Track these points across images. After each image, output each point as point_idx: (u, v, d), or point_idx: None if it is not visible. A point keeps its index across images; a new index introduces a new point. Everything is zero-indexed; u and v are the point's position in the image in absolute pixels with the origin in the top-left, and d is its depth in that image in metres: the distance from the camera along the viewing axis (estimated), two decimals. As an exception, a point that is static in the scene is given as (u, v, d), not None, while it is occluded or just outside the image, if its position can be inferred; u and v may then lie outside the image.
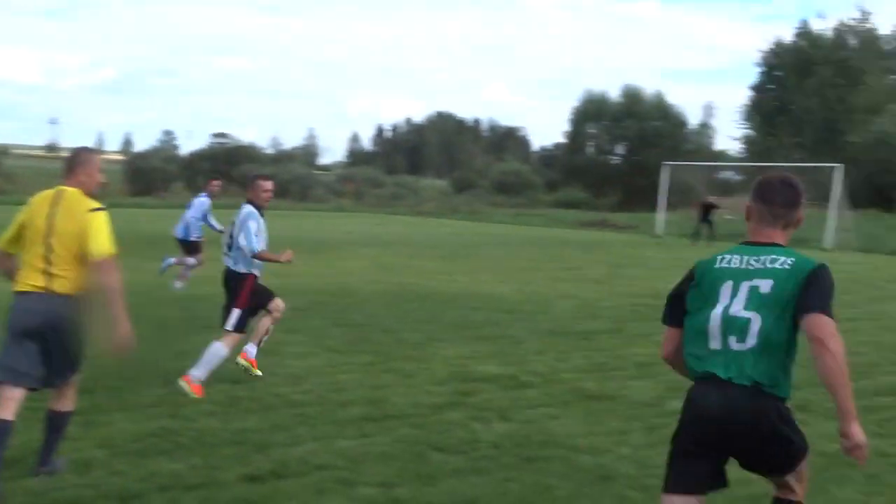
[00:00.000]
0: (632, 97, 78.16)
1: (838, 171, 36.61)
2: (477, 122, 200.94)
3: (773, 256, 4.08)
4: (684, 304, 4.41)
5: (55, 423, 6.09)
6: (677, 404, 8.18)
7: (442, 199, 69.67)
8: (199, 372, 8.38)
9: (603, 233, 42.73)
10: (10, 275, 5.98)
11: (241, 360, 8.92)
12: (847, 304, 16.96)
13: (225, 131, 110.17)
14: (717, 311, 4.09)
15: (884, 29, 70.89)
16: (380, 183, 71.82)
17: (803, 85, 67.33)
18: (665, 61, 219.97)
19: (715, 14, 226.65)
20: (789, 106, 67.61)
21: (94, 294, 5.84)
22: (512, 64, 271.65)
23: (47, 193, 5.90)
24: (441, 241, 30.64)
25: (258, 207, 8.84)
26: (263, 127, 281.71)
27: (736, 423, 3.98)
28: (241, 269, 8.76)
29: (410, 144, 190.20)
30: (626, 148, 78.64)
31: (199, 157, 79.49)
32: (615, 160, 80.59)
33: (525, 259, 24.42)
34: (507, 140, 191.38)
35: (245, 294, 8.74)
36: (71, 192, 5.86)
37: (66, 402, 6.11)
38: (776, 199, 4.27)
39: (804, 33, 70.81)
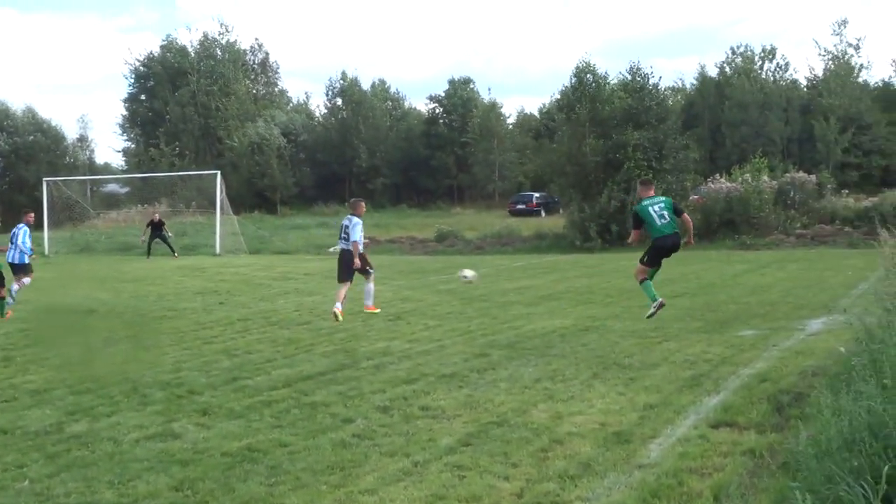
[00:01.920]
0: (1, 111, 73.94)
1: (219, 178, 37.91)
2: None
3: (659, 198, 13.31)
4: (640, 220, 12.99)
5: None
6: (78, 427, 8.05)
7: None
8: (370, 300, 16.23)
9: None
10: None
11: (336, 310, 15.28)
12: (239, 304, 17.76)
13: None
14: (654, 213, 12.88)
15: (245, 42, 74.95)
16: None
17: (177, 95, 68.77)
18: (33, 74, 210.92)
19: (77, 25, 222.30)
20: (166, 115, 68.64)
21: None
22: None
23: None
24: None
25: (358, 217, 16.21)
26: None
27: (674, 246, 13.00)
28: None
29: None
30: (1, 164, 74.25)
31: None
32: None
33: None
34: None
35: (362, 259, 16.09)
36: None
37: None
38: (649, 183, 13.88)
39: (171, 45, 72.32)
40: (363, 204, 17.29)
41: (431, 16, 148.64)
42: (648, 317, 13.26)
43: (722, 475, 6.24)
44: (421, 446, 7.30)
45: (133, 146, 71.95)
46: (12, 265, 18.47)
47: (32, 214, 20.58)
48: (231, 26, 73.03)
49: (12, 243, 18.79)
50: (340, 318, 15.11)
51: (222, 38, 72.08)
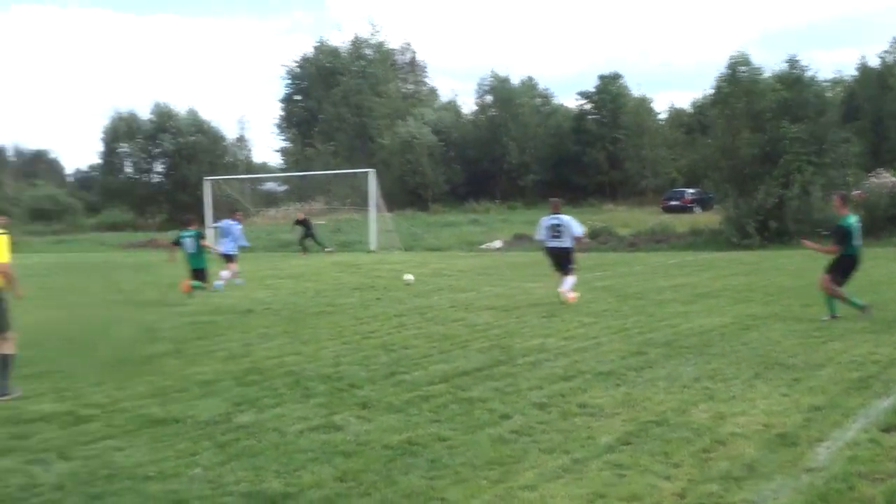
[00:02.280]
0: (164, 114, 77.00)
1: (371, 176, 38.53)
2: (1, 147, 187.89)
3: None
4: (846, 235, 13.26)
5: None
6: (245, 418, 8.32)
7: (-29, 231, 64.44)
8: (567, 287, 16.71)
9: (152, 253, 41.76)
10: None
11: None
12: (395, 300, 18.00)
13: None
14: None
15: (394, 42, 76.00)
16: None
17: (330, 95, 70.23)
18: (192, 77, 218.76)
19: (235, 28, 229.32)
20: (319, 115, 70.19)
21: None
22: (28, 82, 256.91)
23: None
24: None
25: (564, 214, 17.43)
26: None
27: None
28: (568, 244, 16.93)
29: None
30: (165, 165, 77.35)
31: None
32: (156, 178, 79.02)
33: (71, 286, 23.26)
34: (37, 164, 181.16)
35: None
36: None
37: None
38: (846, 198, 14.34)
39: (324, 46, 73.93)
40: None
41: (579, 12, 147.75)
42: (827, 319, 13.53)
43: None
44: (580, 444, 7.27)
45: (289, 145, 73.81)
46: (226, 255, 22.73)
47: (241, 213, 24.54)
48: (380, 27, 74.08)
49: (225, 237, 23.18)
50: (570, 299, 16.54)
51: (372, 39, 73.33)
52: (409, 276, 21.85)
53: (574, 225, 17.02)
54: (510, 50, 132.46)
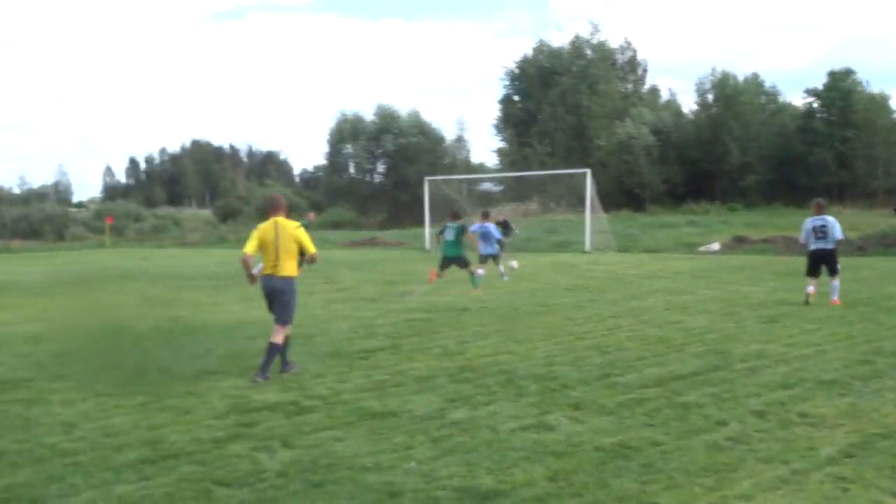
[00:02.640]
0: (387, 115, 79.15)
1: (588, 176, 38.33)
2: (234, 148, 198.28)
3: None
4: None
5: (270, 349, 10.94)
6: (459, 414, 8.46)
7: (207, 228, 68.29)
8: (836, 295, 16.94)
9: (373, 251, 43.01)
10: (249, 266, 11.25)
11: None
12: (609, 302, 17.85)
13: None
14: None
15: (614, 41, 75.12)
16: (140, 216, 69.54)
17: (548, 95, 70.23)
18: (413, 78, 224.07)
19: (457, 31, 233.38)
20: (537, 116, 70.32)
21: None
22: (261, 87, 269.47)
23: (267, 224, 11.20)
24: (210, 272, 29.99)
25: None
26: (6, 165, 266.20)
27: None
28: (832, 245, 16.99)
29: (168, 175, 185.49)
30: (386, 165, 79.53)
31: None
32: (377, 178, 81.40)
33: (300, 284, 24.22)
34: (268, 164, 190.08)
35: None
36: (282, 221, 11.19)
37: (276, 335, 11.04)
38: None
39: (543, 46, 73.99)
40: None
41: (808, 3, 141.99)
42: None
43: None
44: (799, 454, 7.02)
45: (506, 146, 74.36)
46: (492, 256, 23.85)
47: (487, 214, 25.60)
48: (601, 25, 73.47)
49: (485, 241, 23.55)
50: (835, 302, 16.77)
51: (593, 39, 72.86)
52: (514, 263, 23.48)
53: (837, 227, 17.13)
54: (733, 47, 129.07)
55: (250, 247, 11.12)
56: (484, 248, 23.48)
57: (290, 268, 11.15)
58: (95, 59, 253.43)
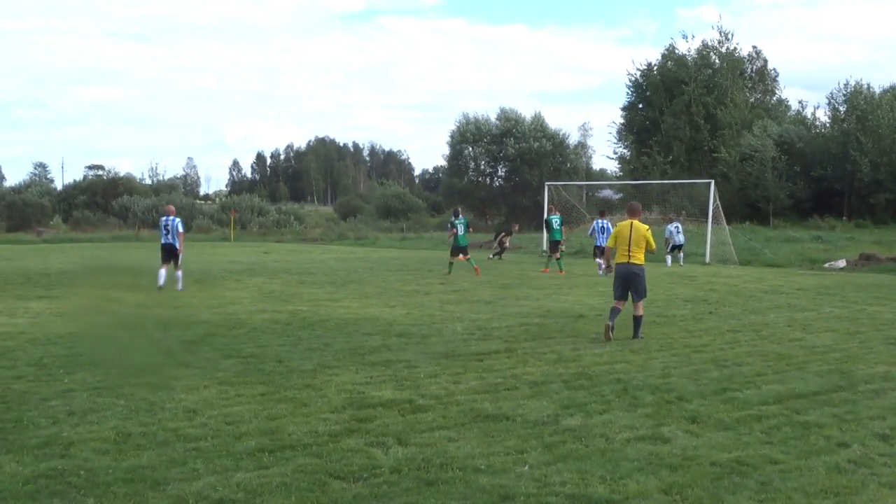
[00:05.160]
0: (511, 119, 79.18)
1: (712, 187, 37.68)
2: (357, 146, 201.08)
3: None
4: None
5: (636, 321, 14.48)
6: (573, 421, 8.43)
7: (328, 225, 69.44)
8: None
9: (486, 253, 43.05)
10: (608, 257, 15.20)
11: None
12: (728, 315, 17.54)
13: (100, 163, 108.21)
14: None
15: (743, 50, 73.40)
16: (263, 211, 71.02)
17: (672, 104, 69.19)
18: (536, 83, 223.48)
19: (580, 37, 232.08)
20: (661, 124, 69.35)
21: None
22: (386, 88, 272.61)
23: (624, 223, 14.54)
24: (329, 268, 30.49)
25: None
26: (140, 157, 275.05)
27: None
28: None
29: (292, 171, 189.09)
30: (506, 169, 79.59)
31: (75, 190, 77.66)
32: (497, 181, 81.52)
33: (414, 282, 24.47)
34: (389, 164, 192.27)
35: None
36: (637, 223, 14.47)
37: (638, 310, 14.49)
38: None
39: (670, 54, 72.86)
40: None
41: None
42: None
43: None
44: (926, 481, 6.80)
45: (628, 153, 73.63)
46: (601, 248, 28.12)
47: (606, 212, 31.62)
48: (731, 33, 71.72)
49: (601, 233, 29.07)
50: None
51: (721, 47, 71.49)
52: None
53: None
54: (871, 57, 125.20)
55: (610, 241, 14.89)
56: (599, 240, 28.98)
57: (640, 257, 14.38)
58: (227, 56, 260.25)
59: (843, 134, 62.73)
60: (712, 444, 7.80)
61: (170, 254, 22.13)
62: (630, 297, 14.50)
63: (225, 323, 15.70)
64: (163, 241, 22.30)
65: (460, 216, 28.98)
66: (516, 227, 40.01)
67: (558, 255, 29.80)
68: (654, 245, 14.52)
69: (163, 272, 21.95)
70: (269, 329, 14.96)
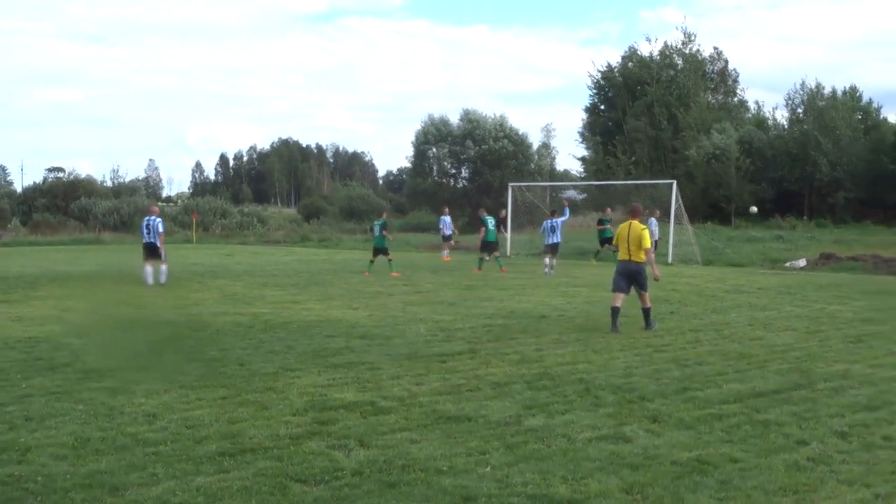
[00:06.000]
0: (473, 120, 79.21)
1: (674, 187, 37.86)
2: (321, 147, 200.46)
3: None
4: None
5: (645, 313, 15.70)
6: (535, 422, 8.45)
7: (291, 226, 69.14)
8: None
9: (452, 254, 43.02)
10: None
11: None
12: (690, 315, 17.65)
13: (60, 165, 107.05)
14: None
15: (705, 51, 73.91)
16: (226, 213, 70.56)
17: (635, 105, 69.56)
18: (500, 84, 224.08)
19: (544, 38, 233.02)
20: (623, 125, 69.68)
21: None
22: (350, 89, 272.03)
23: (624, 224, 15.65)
24: (292, 270, 30.35)
25: None
26: (101, 159, 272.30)
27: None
28: None
29: (255, 172, 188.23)
30: (469, 170, 79.61)
31: (35, 193, 76.89)
32: (461, 182, 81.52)
33: (377, 284, 24.42)
34: (353, 165, 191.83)
35: None
36: (635, 223, 15.46)
37: (645, 302, 15.62)
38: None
39: (632, 55, 73.25)
40: None
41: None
42: None
43: None
44: (883, 478, 6.88)
45: (591, 154, 73.86)
46: (552, 246, 29.68)
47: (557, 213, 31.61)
48: (693, 35, 72.11)
49: (552, 232, 29.79)
50: None
51: (685, 48, 71.93)
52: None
53: None
54: (830, 58, 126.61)
55: (616, 240, 16.13)
56: (553, 239, 29.63)
57: (640, 256, 15.41)
58: (189, 57, 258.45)
59: (803, 134, 63.38)
60: (673, 443, 7.84)
61: (152, 252, 23.54)
62: (633, 292, 15.70)
63: (187, 325, 15.60)
64: (145, 241, 23.84)
65: (486, 214, 31.14)
66: (503, 213, 39.58)
67: (497, 253, 30.91)
68: (648, 243, 15.44)
69: (148, 270, 23.29)
70: (231, 331, 14.87)
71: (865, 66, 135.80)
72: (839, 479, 6.88)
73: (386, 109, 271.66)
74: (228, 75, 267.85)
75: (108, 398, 9.52)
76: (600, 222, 35.96)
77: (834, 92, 65.12)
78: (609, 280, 16.22)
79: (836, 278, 28.17)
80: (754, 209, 41.32)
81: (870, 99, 68.41)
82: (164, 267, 23.56)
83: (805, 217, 58.14)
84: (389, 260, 27.87)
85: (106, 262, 34.90)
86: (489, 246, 30.47)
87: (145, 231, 23.79)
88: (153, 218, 24.03)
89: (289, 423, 8.52)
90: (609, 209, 36.33)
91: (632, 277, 15.57)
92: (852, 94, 66.53)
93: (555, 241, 29.69)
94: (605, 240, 33.37)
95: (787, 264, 34.33)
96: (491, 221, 30.80)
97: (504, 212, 38.96)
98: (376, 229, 29.02)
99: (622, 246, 15.65)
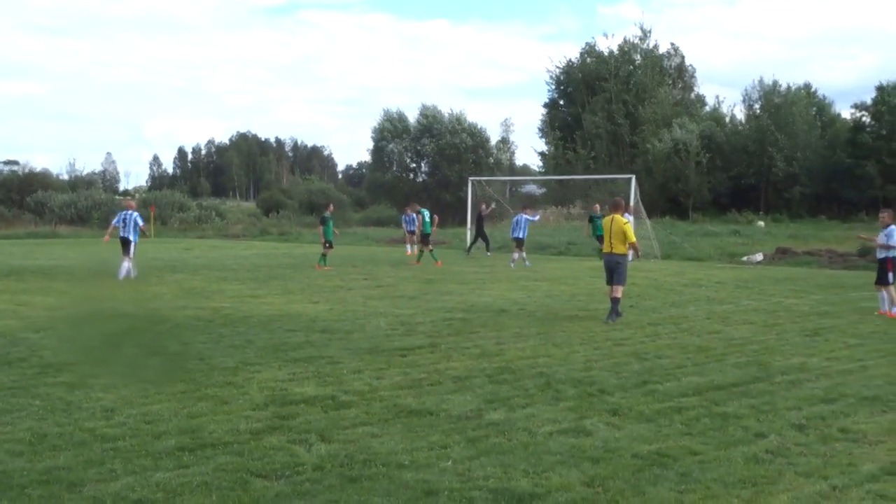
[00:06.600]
0: (431, 115, 79.14)
1: (633, 182, 38.06)
2: (280, 141, 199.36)
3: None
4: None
5: (613, 302, 15.99)
6: (496, 416, 8.46)
7: (250, 220, 68.69)
8: (886, 306, 17.48)
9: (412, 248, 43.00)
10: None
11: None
12: (649, 309, 17.77)
13: (15, 158, 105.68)
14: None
15: (661, 47, 74.46)
16: (184, 206, 69.95)
17: (593, 101, 69.90)
18: (460, 79, 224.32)
19: (504, 34, 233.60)
20: (582, 121, 69.96)
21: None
22: (310, 83, 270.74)
23: (608, 218, 16.40)
24: (251, 264, 30.19)
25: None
26: (58, 152, 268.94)
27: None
28: None
29: (213, 166, 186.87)
30: (428, 165, 79.58)
31: (-11, 185, 75.79)
32: (421, 176, 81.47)
33: (337, 278, 24.35)
34: (313, 159, 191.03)
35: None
36: (617, 217, 16.09)
37: (616, 293, 16.02)
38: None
39: (591, 51, 73.62)
40: None
41: (862, 16, 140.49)
42: None
43: None
44: (839, 470, 6.96)
45: (551, 149, 74.12)
46: (517, 240, 30.98)
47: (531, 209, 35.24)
48: (650, 30, 72.66)
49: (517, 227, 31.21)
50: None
51: (643, 44, 72.38)
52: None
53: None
54: (786, 55, 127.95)
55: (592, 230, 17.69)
56: (518, 234, 30.88)
57: (621, 248, 16.15)
58: (148, 50, 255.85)
59: (759, 130, 63.97)
60: (633, 437, 7.89)
61: (124, 246, 23.67)
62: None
63: (147, 319, 15.47)
64: (121, 235, 23.78)
65: (420, 208, 34.75)
66: (485, 208, 38.98)
67: (431, 247, 31.84)
68: (631, 237, 16.17)
69: (125, 265, 23.39)
70: (191, 326, 14.76)
71: (819, 62, 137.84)
72: (797, 471, 6.95)
73: (346, 103, 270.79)
74: (188, 69, 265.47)
75: (66, 393, 9.41)
76: (591, 219, 35.97)
77: (789, 88, 65.72)
78: (571, 277, 16.29)
79: (792, 272, 28.51)
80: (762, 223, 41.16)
81: (824, 96, 69.25)
82: (128, 263, 23.41)
83: (762, 212, 58.71)
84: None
85: (63, 255, 34.50)
86: (425, 238, 32.46)
87: (121, 225, 23.80)
88: (129, 212, 24.11)
89: (249, 418, 8.47)
90: (597, 206, 36.23)
91: (612, 268, 16.24)
92: (808, 90, 67.24)
93: (519, 235, 30.98)
94: (600, 236, 33.28)
95: (745, 258, 34.66)
96: (426, 214, 33.16)
97: (484, 206, 38.63)
98: (331, 223, 29.61)
99: (606, 238, 16.45)
